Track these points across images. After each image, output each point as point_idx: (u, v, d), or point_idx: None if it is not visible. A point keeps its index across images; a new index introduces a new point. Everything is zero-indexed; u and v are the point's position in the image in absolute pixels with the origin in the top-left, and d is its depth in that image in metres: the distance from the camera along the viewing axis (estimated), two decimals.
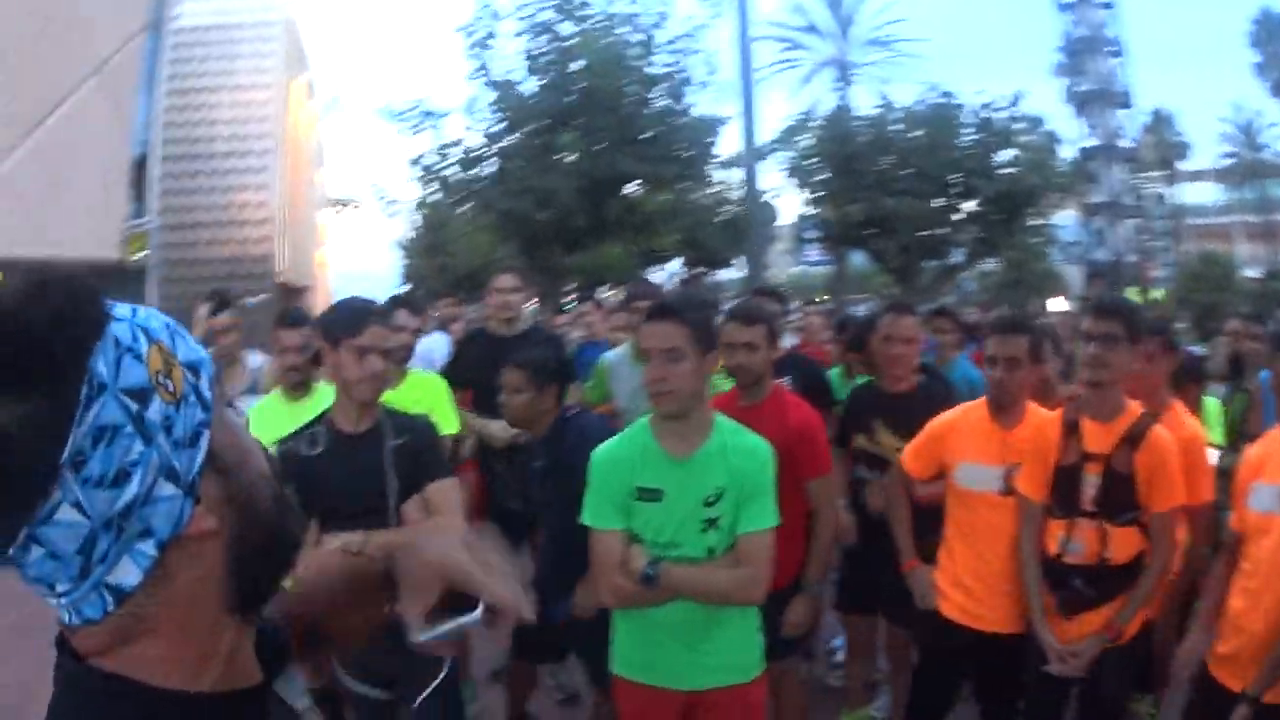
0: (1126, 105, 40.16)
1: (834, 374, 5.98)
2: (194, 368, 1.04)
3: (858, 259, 30.87)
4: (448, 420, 5.29)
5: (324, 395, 4.74)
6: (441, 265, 27.05)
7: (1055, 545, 3.98)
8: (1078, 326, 6.67)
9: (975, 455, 4.15)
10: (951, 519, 4.27)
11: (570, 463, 4.14)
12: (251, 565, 1.06)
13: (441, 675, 3.80)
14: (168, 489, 0.96)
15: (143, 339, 0.98)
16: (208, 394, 1.04)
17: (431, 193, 17.54)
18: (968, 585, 4.17)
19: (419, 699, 3.79)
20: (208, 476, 1.01)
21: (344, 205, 44.00)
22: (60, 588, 0.95)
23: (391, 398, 4.85)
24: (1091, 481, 3.90)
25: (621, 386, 5.62)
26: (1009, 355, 4.07)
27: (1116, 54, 40.10)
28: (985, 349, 4.20)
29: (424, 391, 5.40)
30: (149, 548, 0.96)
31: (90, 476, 0.91)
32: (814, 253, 30.99)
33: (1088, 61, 39.61)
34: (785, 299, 6.55)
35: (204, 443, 1.01)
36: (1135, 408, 3.96)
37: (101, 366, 0.93)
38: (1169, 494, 3.84)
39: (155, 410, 0.96)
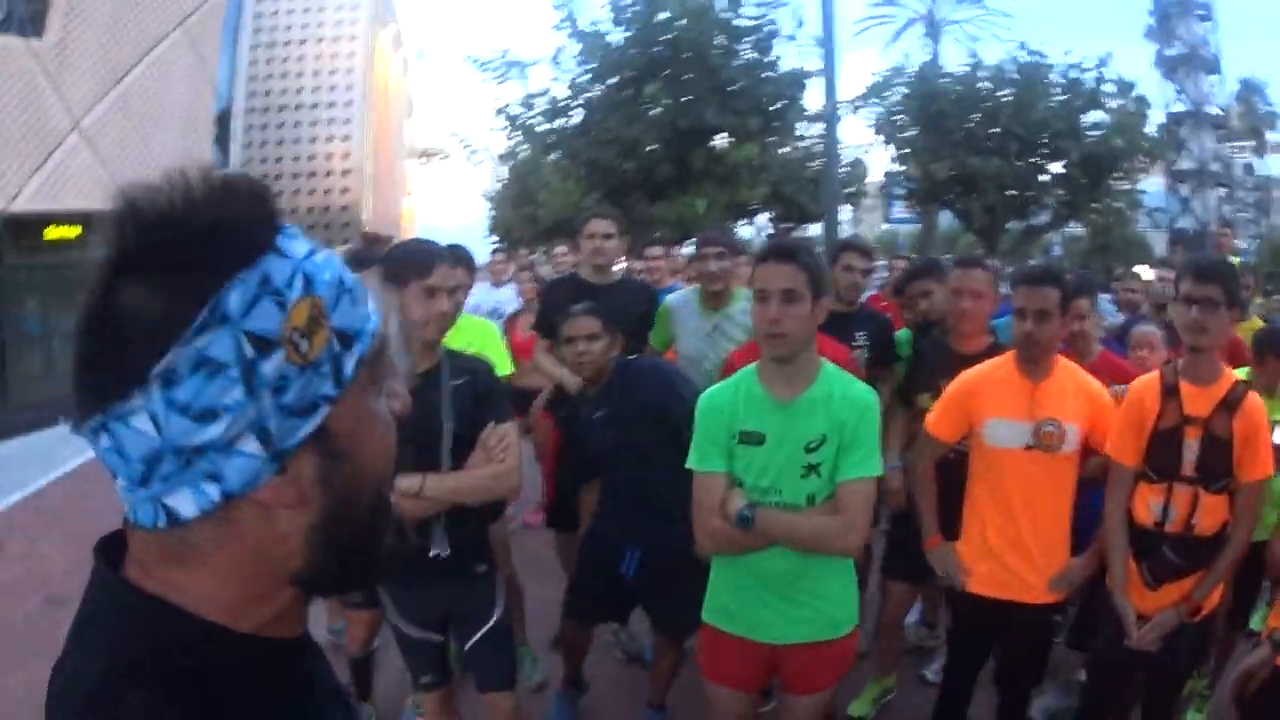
0: (1216, 71, 39.27)
1: (903, 333, 5.73)
2: (347, 336, 0.95)
3: (945, 218, 30.55)
4: (501, 363, 5.21)
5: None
6: (530, 216, 27.08)
7: (1149, 513, 3.92)
8: (1164, 291, 6.59)
9: (1004, 410, 4.02)
10: (979, 479, 4.14)
11: (623, 411, 4.22)
12: (327, 555, 0.98)
13: (493, 620, 3.80)
14: (252, 446, 0.89)
15: (299, 287, 0.90)
16: (349, 370, 0.95)
17: (518, 143, 17.60)
18: (997, 550, 4.07)
19: (470, 641, 3.80)
20: (307, 453, 0.93)
21: (432, 156, 44.20)
22: (120, 482, 0.91)
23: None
24: (1191, 446, 3.82)
25: (685, 331, 5.55)
26: (1038, 307, 3.93)
27: (1207, 19, 39.20)
28: (1014, 300, 4.11)
29: (475, 335, 5.33)
30: (213, 491, 0.89)
31: (175, 400, 0.85)
32: (901, 210, 30.69)
33: (1178, 25, 38.74)
34: (871, 253, 6.40)
35: (318, 417, 0.93)
36: (1231, 373, 3.90)
37: (233, 298, 0.86)
38: (1261, 463, 3.77)
39: (272, 365, 0.88)
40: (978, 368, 4.23)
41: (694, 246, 7.17)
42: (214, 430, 0.86)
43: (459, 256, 5.36)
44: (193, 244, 0.87)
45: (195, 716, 0.90)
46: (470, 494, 3.54)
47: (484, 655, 3.78)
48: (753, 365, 3.56)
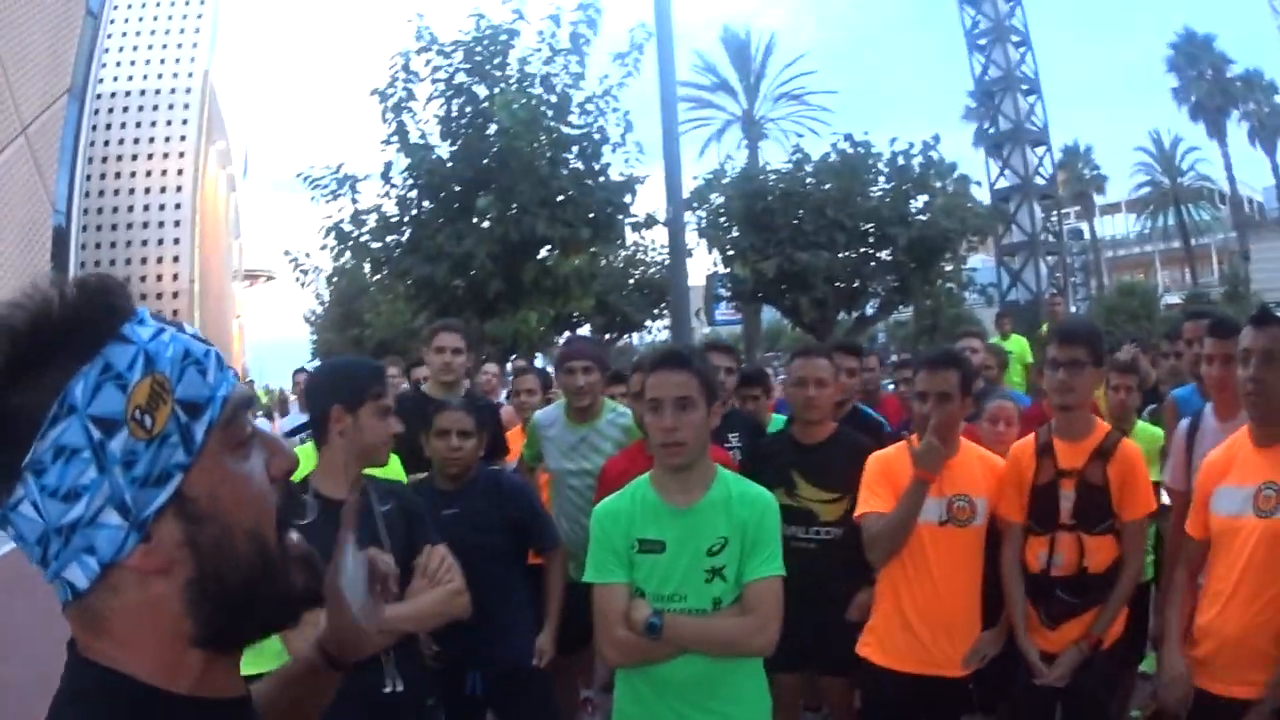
0: (1043, 143, 40.87)
1: (777, 420, 6.04)
2: (194, 406, 1.05)
3: (768, 314, 30.94)
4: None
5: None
6: (355, 338, 26.78)
7: (1037, 561, 4.19)
8: (988, 363, 6.88)
9: None
10: (896, 558, 4.27)
11: (481, 517, 4.30)
12: (215, 613, 1.07)
13: None
14: (114, 519, 1.00)
15: (139, 368, 1.01)
16: (199, 436, 1.05)
17: (345, 262, 17.43)
18: (913, 624, 4.22)
19: None
20: (167, 518, 1.03)
21: (258, 277, 43.43)
22: (34, 564, 1.03)
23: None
24: (1068, 496, 4.12)
25: (552, 446, 5.59)
26: (940, 390, 4.18)
27: (1032, 93, 40.84)
28: (916, 384, 4.30)
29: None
30: (92, 563, 1.00)
31: (47, 486, 0.98)
32: (726, 311, 31.07)
33: (1002, 102, 40.29)
34: (735, 353, 6.57)
35: (171, 485, 1.03)
36: (1104, 425, 4.24)
37: (79, 389, 0.98)
38: (1140, 502, 4.11)
39: (119, 443, 0.99)
40: (889, 450, 4.45)
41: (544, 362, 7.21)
42: (79, 508, 0.98)
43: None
44: (46, 345, 0.99)
45: None
46: (428, 620, 3.43)
47: None
48: (645, 475, 3.60)
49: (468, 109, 15.51)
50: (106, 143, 32.50)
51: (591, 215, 15.66)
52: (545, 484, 5.89)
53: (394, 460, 5.31)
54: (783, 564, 3.49)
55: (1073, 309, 40.26)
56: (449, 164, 15.45)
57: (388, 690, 3.54)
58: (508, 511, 4.60)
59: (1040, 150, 40.83)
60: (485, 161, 15.19)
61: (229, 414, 1.09)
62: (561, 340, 11.73)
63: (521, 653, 4.33)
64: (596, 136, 16.03)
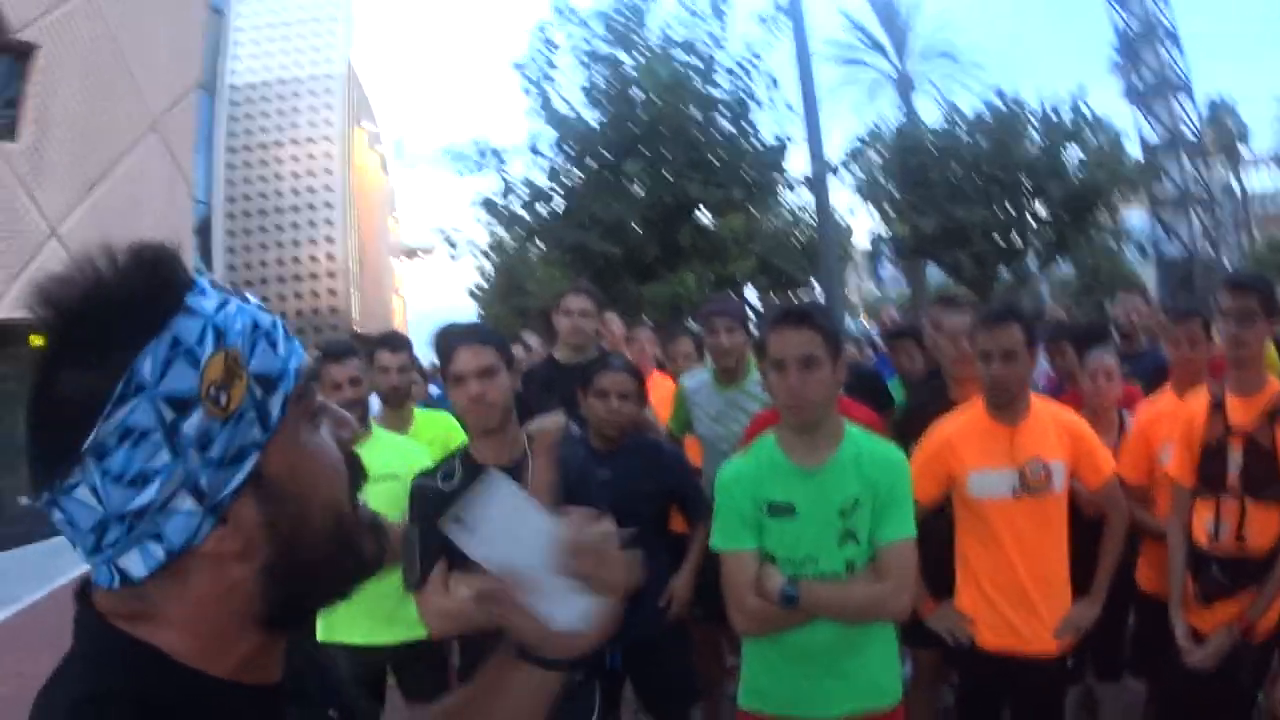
0: (1188, 94, 39.57)
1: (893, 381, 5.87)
2: (268, 380, 0.97)
3: (934, 274, 30.71)
4: None
5: (379, 436, 4.66)
6: (519, 307, 27.01)
7: (1203, 530, 3.86)
8: (1160, 323, 6.51)
9: (984, 460, 3.86)
10: (968, 534, 3.98)
11: (631, 482, 4.04)
12: (289, 592, 1.00)
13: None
14: (187, 504, 0.92)
15: (210, 342, 0.93)
16: (275, 413, 0.97)
17: (500, 235, 17.59)
18: (994, 600, 3.90)
19: None
20: (245, 499, 0.95)
21: (418, 252, 44.45)
22: (77, 549, 0.95)
23: (401, 440, 4.76)
24: (1235, 458, 3.77)
25: (700, 413, 5.37)
26: (1004, 348, 3.78)
27: (1173, 43, 39.57)
28: (978, 344, 3.94)
29: (436, 429, 5.19)
30: (158, 551, 0.92)
31: (109, 470, 0.89)
32: (889, 270, 30.84)
33: (1144, 53, 39.09)
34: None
35: (249, 464, 0.95)
36: (1276, 383, 3.83)
37: (146, 366, 0.89)
38: None
39: (193, 424, 0.91)
40: (950, 418, 4.07)
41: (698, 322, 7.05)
42: (148, 494, 0.89)
43: (386, 341, 5.25)
44: (105, 321, 0.91)
45: None
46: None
47: None
48: (770, 433, 3.41)
49: (612, 77, 15.38)
50: (249, 132, 33.20)
51: (744, 176, 15.46)
52: (691, 453, 5.68)
53: (454, 427, 5.22)
54: (914, 525, 3.29)
55: (1227, 264, 38.97)
56: (597, 132, 15.30)
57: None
58: (663, 480, 4.46)
59: (1185, 102, 39.56)
60: (633, 127, 15.03)
61: (302, 385, 1.01)
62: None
63: (653, 621, 4.14)
64: (744, 97, 15.79)
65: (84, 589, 1.00)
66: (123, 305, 0.92)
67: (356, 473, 1.10)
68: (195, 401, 0.91)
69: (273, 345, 0.99)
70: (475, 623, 3.44)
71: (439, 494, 3.45)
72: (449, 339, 3.55)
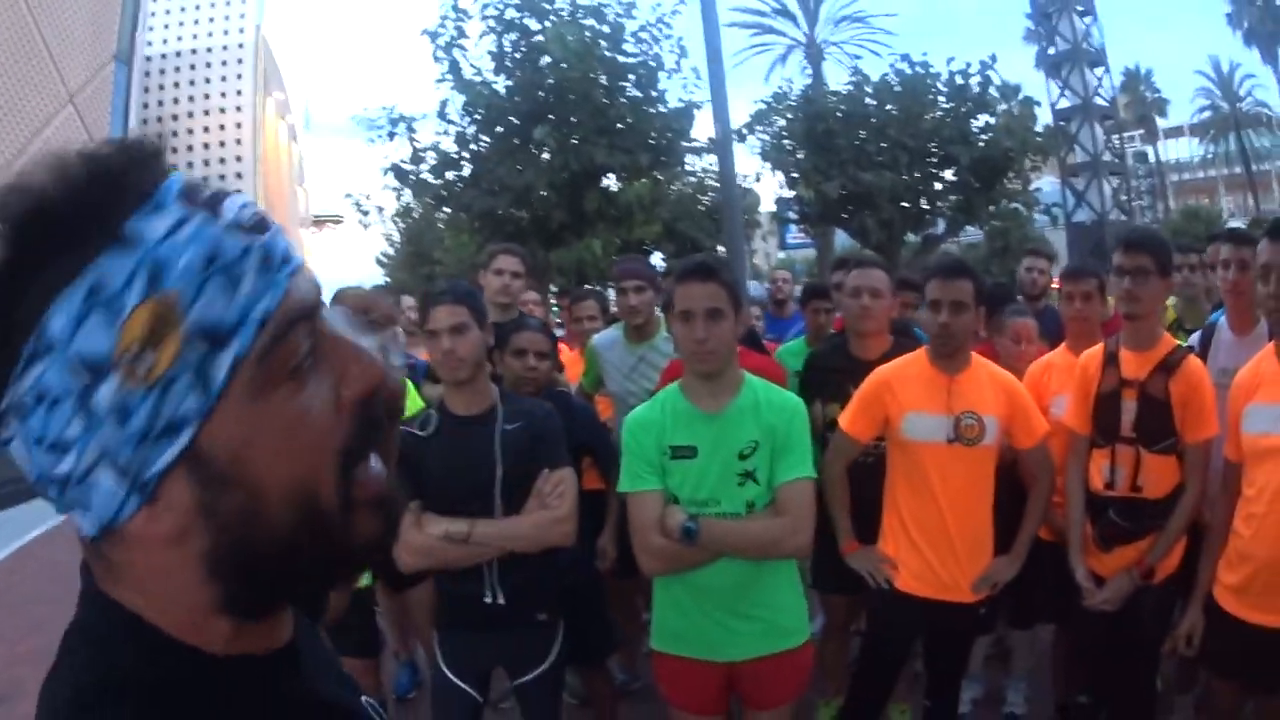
0: (1101, 64, 40.01)
1: (795, 345, 6.07)
2: (215, 335, 0.78)
3: (840, 239, 30.90)
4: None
5: None
6: (426, 275, 26.87)
7: (1100, 476, 4.02)
8: (1034, 282, 6.73)
9: (921, 404, 4.03)
10: (900, 475, 4.13)
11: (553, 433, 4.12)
12: (242, 584, 0.85)
13: (545, 665, 3.77)
14: (108, 478, 0.78)
15: (138, 287, 0.76)
16: (220, 375, 0.79)
17: (409, 202, 17.53)
18: (918, 544, 4.05)
19: (521, 680, 3.77)
20: (176, 479, 0.80)
21: (325, 222, 43.87)
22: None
23: None
24: (1129, 408, 3.94)
25: (611, 369, 5.50)
26: (954, 299, 3.95)
27: (1087, 13, 39.96)
28: (929, 292, 4.07)
29: None
30: (89, 522, 0.81)
31: (31, 432, 0.78)
32: (795, 235, 30.96)
33: (1059, 23, 39.47)
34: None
35: (182, 439, 0.79)
36: (1171, 339, 4.02)
37: (57, 322, 0.75)
38: (1202, 424, 3.86)
39: (107, 392, 0.76)
40: (891, 363, 4.23)
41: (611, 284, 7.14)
42: (67, 463, 0.78)
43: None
44: (26, 258, 0.76)
45: None
46: (521, 541, 3.54)
47: (531, 695, 3.79)
48: (675, 383, 3.58)
49: (521, 44, 15.36)
50: (161, 103, 32.70)
51: (651, 142, 15.55)
52: (603, 410, 5.81)
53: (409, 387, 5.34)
54: (813, 468, 3.47)
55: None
56: (505, 98, 15.29)
57: (487, 600, 3.62)
58: (575, 435, 4.45)
59: (1099, 71, 39.98)
60: (541, 94, 15.05)
61: (273, 335, 0.81)
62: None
63: (575, 569, 4.31)
64: (652, 64, 15.86)
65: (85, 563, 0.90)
66: (41, 243, 0.77)
67: (371, 430, 0.90)
68: (107, 367, 0.76)
69: (234, 283, 0.80)
70: (444, 558, 3.62)
71: (416, 439, 3.64)
72: (428, 297, 3.78)
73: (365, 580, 4.73)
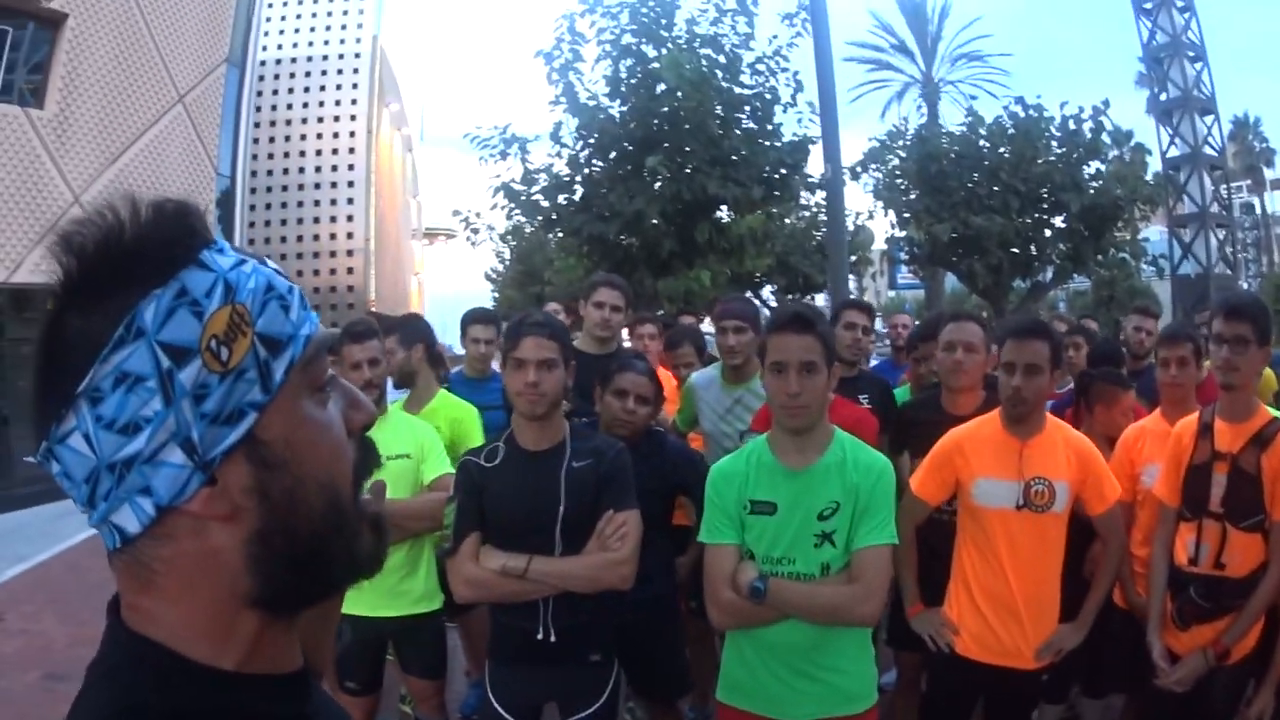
0: (1211, 112, 39.27)
1: (901, 391, 6.04)
2: (275, 342, 0.96)
3: (950, 281, 30.67)
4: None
5: (393, 415, 4.79)
6: (535, 295, 27.12)
7: (1185, 551, 3.94)
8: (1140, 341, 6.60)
9: (992, 469, 3.97)
10: (968, 540, 4.08)
11: (641, 479, 4.06)
12: (276, 569, 0.97)
13: (596, 706, 3.75)
14: (177, 457, 0.90)
15: (218, 297, 0.92)
16: (278, 375, 0.95)
17: (515, 221, 17.63)
18: (982, 610, 3.99)
19: (575, 718, 3.75)
20: (236, 461, 0.93)
21: (437, 235, 44.53)
22: (79, 507, 0.94)
23: (414, 420, 4.91)
24: (1219, 481, 3.84)
25: (707, 409, 5.48)
26: (1029, 361, 3.89)
27: (1198, 60, 39.25)
28: (1002, 354, 4.02)
29: (451, 411, 5.37)
30: (147, 505, 0.91)
31: (102, 417, 0.88)
32: (905, 276, 30.82)
33: (1170, 69, 38.79)
34: (872, 311, 6.50)
35: (245, 424, 0.93)
36: (1267, 411, 3.91)
37: (149, 313, 0.89)
38: None
39: (190, 374, 0.89)
40: (964, 426, 4.19)
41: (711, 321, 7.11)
42: (138, 442, 0.88)
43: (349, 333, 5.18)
44: (115, 268, 0.90)
45: None
46: (578, 581, 3.53)
47: None
48: (763, 435, 3.55)
49: (637, 69, 15.38)
50: (274, 108, 33.36)
51: (765, 175, 15.49)
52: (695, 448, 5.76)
53: (470, 419, 5.36)
54: (895, 533, 3.41)
55: (1244, 285, 38.74)
56: (619, 124, 15.30)
57: (539, 637, 3.60)
58: (671, 479, 4.56)
59: (1209, 119, 39.27)
60: (655, 121, 15.04)
61: (311, 354, 0.99)
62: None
63: (653, 610, 4.29)
64: (768, 97, 15.82)
65: (115, 601, 1.00)
66: (134, 253, 0.91)
67: (368, 457, 1.09)
68: (194, 352, 0.90)
69: (285, 309, 0.98)
70: (499, 592, 3.61)
71: (481, 470, 3.67)
72: (521, 325, 3.74)
73: (437, 602, 4.73)
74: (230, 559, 0.95)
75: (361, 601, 4.44)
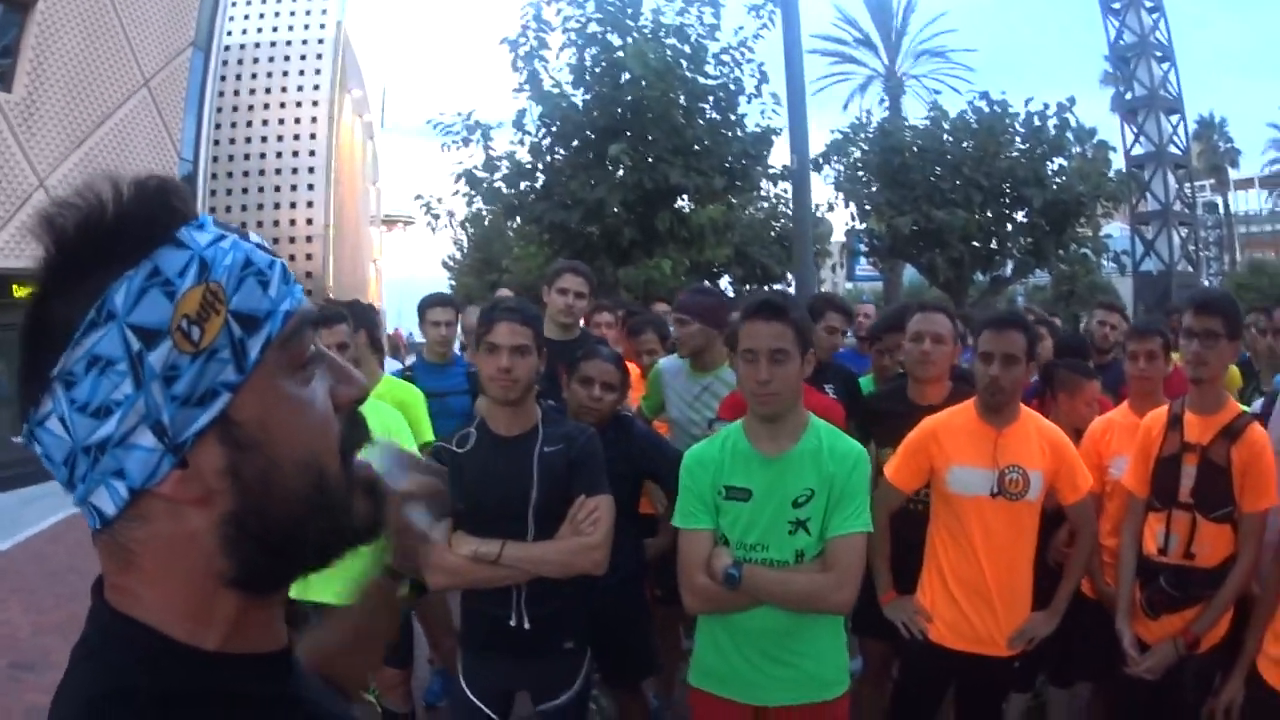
0: (1177, 112, 39.55)
1: (865, 380, 5.99)
2: (250, 320, 0.94)
3: (909, 274, 30.80)
4: (422, 430, 5.22)
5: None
6: (493, 283, 27.06)
7: (1155, 541, 3.97)
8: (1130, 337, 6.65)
9: (966, 457, 3.99)
10: (941, 526, 4.10)
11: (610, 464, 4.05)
12: (253, 551, 0.95)
13: (569, 694, 3.74)
14: (148, 440, 0.89)
15: (191, 275, 0.90)
16: (253, 354, 0.93)
17: (477, 209, 17.56)
18: (956, 597, 4.01)
19: (544, 705, 3.74)
20: (208, 443, 0.92)
21: (396, 222, 44.39)
22: (62, 487, 0.95)
23: (377, 403, 4.80)
24: (1189, 473, 3.88)
25: (674, 395, 5.46)
26: (1005, 352, 3.92)
27: (1165, 60, 39.51)
28: (979, 345, 4.05)
29: (396, 394, 5.32)
30: (120, 488, 0.91)
31: (76, 400, 0.88)
32: (865, 268, 30.94)
33: (1137, 68, 39.04)
34: (851, 313, 6.49)
35: (217, 405, 0.91)
36: (1236, 405, 3.98)
37: (120, 295, 0.88)
38: (1261, 493, 3.80)
39: (160, 356, 0.88)
40: (939, 414, 4.21)
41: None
42: (110, 426, 0.88)
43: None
44: (95, 249, 0.89)
45: None
46: (550, 566, 3.50)
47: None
48: (739, 422, 3.52)
49: (601, 58, 15.33)
50: (237, 93, 33.17)
51: (727, 165, 15.49)
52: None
53: (417, 405, 5.34)
54: (870, 521, 3.40)
55: (1205, 282, 39.07)
56: (583, 112, 15.26)
57: (512, 624, 3.60)
58: (639, 464, 4.54)
59: (1174, 119, 39.53)
60: (619, 110, 15.01)
61: (290, 331, 0.97)
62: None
63: (619, 595, 4.30)
64: (732, 88, 15.83)
65: (100, 582, 1.00)
66: (110, 234, 0.90)
67: (356, 432, 1.06)
68: (165, 333, 0.88)
69: (263, 285, 0.96)
70: (472, 579, 3.58)
71: (453, 456, 3.63)
72: (494, 310, 3.71)
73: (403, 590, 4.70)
74: (205, 541, 0.94)
75: (329, 589, 4.41)
